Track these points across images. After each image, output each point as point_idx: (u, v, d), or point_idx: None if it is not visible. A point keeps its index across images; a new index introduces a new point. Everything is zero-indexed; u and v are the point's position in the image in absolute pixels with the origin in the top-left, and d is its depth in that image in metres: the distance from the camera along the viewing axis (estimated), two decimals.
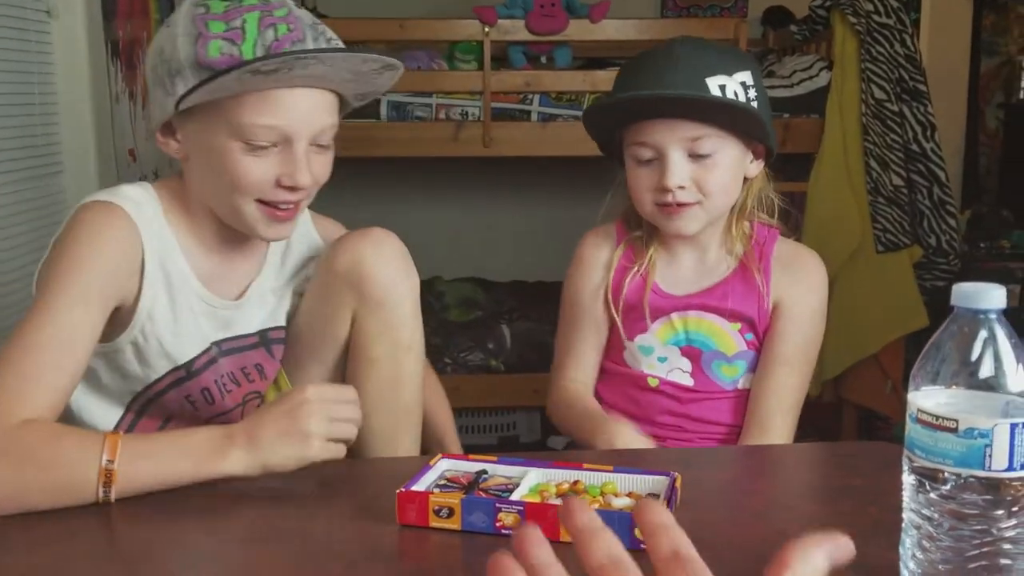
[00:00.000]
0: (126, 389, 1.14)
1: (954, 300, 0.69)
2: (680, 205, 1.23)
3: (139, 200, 1.10)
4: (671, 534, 0.52)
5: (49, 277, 1.03)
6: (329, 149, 1.11)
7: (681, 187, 1.22)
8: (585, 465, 0.97)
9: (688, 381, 1.32)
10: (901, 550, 0.73)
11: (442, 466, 0.99)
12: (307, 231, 1.26)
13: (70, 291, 1.01)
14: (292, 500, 0.95)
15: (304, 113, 1.05)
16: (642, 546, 0.78)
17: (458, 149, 2.60)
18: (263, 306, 1.21)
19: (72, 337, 1.01)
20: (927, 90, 2.54)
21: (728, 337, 1.31)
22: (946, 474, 0.68)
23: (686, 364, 1.32)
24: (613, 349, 1.36)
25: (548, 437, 2.95)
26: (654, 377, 1.32)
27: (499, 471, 0.98)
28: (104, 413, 1.15)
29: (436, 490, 0.93)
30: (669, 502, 0.87)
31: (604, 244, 1.36)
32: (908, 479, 0.71)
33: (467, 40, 2.59)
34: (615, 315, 1.32)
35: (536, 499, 0.90)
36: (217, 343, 1.17)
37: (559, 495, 0.92)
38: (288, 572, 0.80)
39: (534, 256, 3.16)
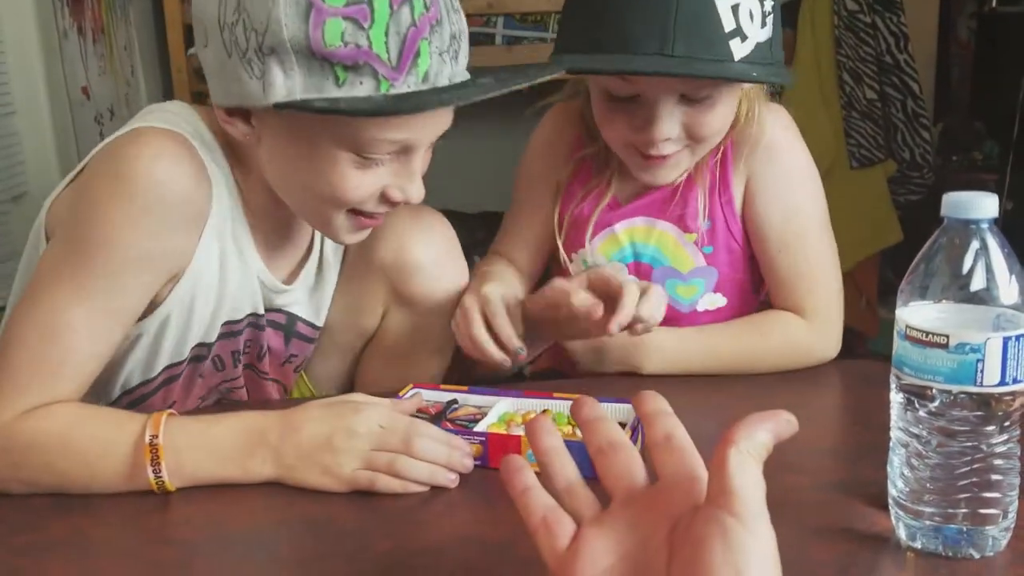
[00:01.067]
0: (123, 385, 0.98)
1: (944, 211, 0.66)
2: (664, 158, 1.03)
3: (203, 137, 0.89)
4: (666, 420, 0.57)
5: (87, 233, 0.83)
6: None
7: (667, 139, 1.01)
8: (555, 394, 0.95)
9: None
10: (889, 469, 0.71)
11: (414, 396, 0.97)
12: None
13: (116, 261, 0.83)
14: None
15: (434, 123, 0.86)
16: None
17: None
18: (305, 291, 1.05)
19: (109, 319, 0.84)
20: (900, 0, 2.49)
21: (682, 250, 1.12)
22: (935, 391, 0.65)
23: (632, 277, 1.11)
24: (558, 271, 1.19)
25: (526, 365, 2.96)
26: None
27: (470, 401, 0.97)
28: None
29: None
30: (635, 431, 0.85)
31: (565, 132, 1.17)
32: (896, 397, 0.69)
33: None
34: (555, 230, 1.15)
35: (502, 429, 0.89)
36: (260, 315, 1.01)
37: (525, 424, 0.90)
38: (254, 508, 0.79)
39: (503, 186, 3.11)
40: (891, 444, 0.70)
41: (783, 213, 1.08)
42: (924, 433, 0.67)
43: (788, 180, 1.09)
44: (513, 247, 1.20)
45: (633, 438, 0.84)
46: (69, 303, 0.82)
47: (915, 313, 0.67)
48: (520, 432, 0.87)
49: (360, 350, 1.13)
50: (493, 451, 0.85)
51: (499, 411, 0.93)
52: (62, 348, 0.82)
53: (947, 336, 0.64)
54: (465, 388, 0.98)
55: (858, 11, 2.45)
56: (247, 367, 1.05)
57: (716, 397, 1.00)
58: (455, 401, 0.96)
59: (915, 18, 2.57)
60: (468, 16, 2.82)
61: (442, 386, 0.99)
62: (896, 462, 0.69)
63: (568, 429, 0.88)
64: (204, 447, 0.81)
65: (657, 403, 0.58)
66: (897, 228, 2.53)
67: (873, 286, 2.62)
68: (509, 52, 2.52)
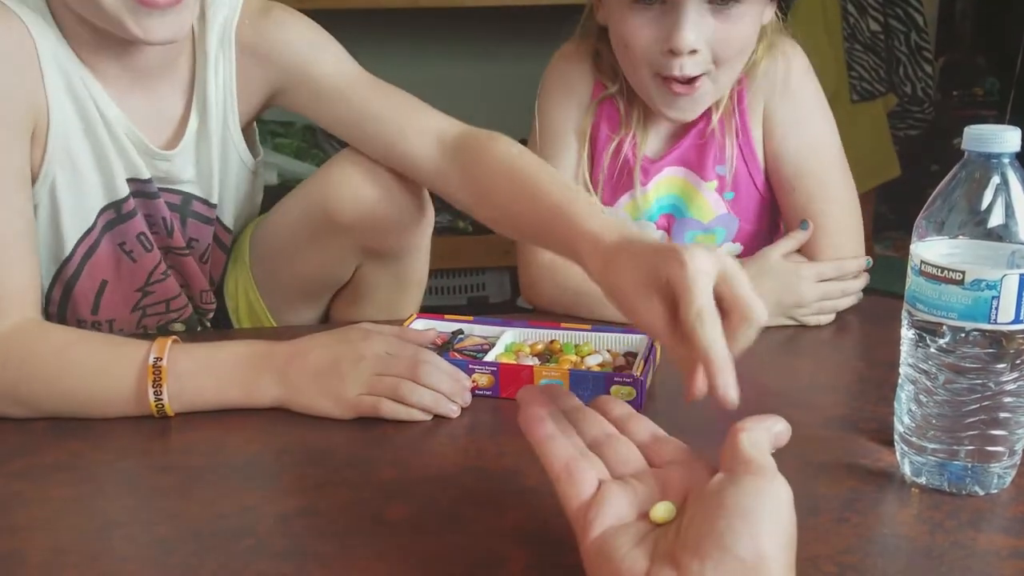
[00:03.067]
0: (49, 260, 0.97)
1: (965, 144, 0.64)
2: (688, 81, 0.99)
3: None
4: (641, 421, 0.61)
5: None
6: None
7: (694, 51, 0.97)
8: (563, 324, 0.94)
9: None
10: (896, 405, 0.70)
11: (417, 325, 0.97)
12: (227, 70, 0.98)
13: None
14: None
15: None
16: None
17: (385, 1, 2.44)
18: (190, 162, 0.99)
19: (7, 182, 0.83)
20: None
21: (702, 199, 1.11)
22: (947, 327, 0.65)
23: (659, 236, 1.13)
24: None
25: (517, 297, 2.96)
26: None
27: (475, 331, 0.96)
28: None
29: None
30: (647, 361, 0.85)
31: (581, 76, 1.11)
32: (907, 333, 0.68)
33: None
34: (588, 185, 1.10)
35: (511, 359, 0.88)
36: (148, 180, 0.97)
37: (534, 354, 0.90)
38: (255, 436, 0.79)
39: (499, 114, 3.05)
40: (899, 380, 0.70)
41: (798, 146, 1.07)
42: (933, 369, 0.66)
43: (804, 115, 1.07)
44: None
45: (646, 368, 0.84)
46: None
47: (930, 248, 0.66)
48: (530, 362, 0.87)
49: (332, 296, 1.12)
50: (505, 381, 0.85)
51: (505, 341, 0.93)
52: None
53: (962, 272, 0.63)
54: (470, 318, 0.97)
55: None
56: (164, 251, 1.02)
57: None
58: (460, 331, 0.96)
59: None
60: None
61: (446, 316, 0.98)
62: (904, 398, 0.69)
63: (576, 358, 0.88)
64: (208, 371, 0.81)
65: (623, 408, 0.63)
66: (895, 163, 2.51)
67: (868, 221, 2.61)
68: None
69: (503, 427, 0.80)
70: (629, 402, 0.79)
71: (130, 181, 0.96)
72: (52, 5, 0.88)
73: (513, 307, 2.88)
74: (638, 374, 0.82)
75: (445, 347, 0.92)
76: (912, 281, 0.67)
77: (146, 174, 0.96)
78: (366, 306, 1.08)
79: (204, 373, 0.81)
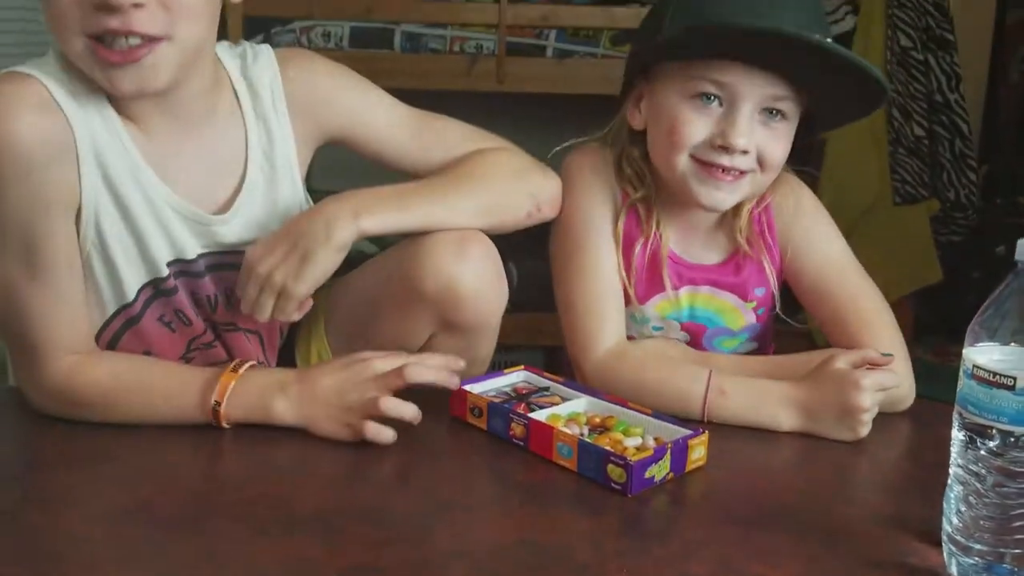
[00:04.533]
0: (99, 312, 1.01)
1: (1018, 255, 0.67)
2: (734, 173, 1.03)
3: (52, 71, 0.91)
4: None
5: None
6: None
7: (746, 151, 1.02)
8: (629, 405, 0.98)
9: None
10: (945, 505, 0.72)
11: (518, 376, 1.08)
12: (283, 130, 1.03)
13: (8, 210, 0.90)
14: None
15: None
16: (612, 485, 0.80)
17: (471, 83, 2.54)
18: (250, 227, 1.02)
19: (54, 270, 0.93)
20: (954, 39, 2.48)
21: (739, 314, 1.15)
22: (998, 431, 0.67)
23: (683, 337, 1.15)
24: None
25: None
26: None
27: (559, 391, 1.03)
28: None
29: (493, 394, 1.01)
30: (657, 452, 0.85)
31: (609, 188, 1.12)
32: (958, 435, 0.70)
33: None
34: (627, 281, 1.11)
35: (559, 422, 0.93)
36: (203, 255, 1.01)
37: (589, 425, 0.95)
38: (319, 491, 0.83)
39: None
40: (949, 480, 0.71)
41: (817, 260, 1.13)
42: (983, 472, 0.68)
43: (817, 234, 1.14)
44: (611, 273, 1.11)
45: (650, 459, 0.85)
46: (12, 277, 0.92)
47: (983, 353, 0.68)
48: (576, 429, 0.92)
49: None
50: (533, 436, 0.92)
51: (572, 407, 0.98)
52: (32, 321, 0.93)
53: (1014, 378, 0.66)
54: (562, 379, 1.05)
55: (911, 48, 2.45)
56: (208, 324, 1.06)
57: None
58: (547, 388, 1.03)
59: (967, 58, 2.56)
60: (521, 28, 2.83)
61: (546, 373, 1.06)
62: (953, 499, 0.71)
63: (618, 436, 0.91)
64: (236, 396, 0.93)
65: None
66: (937, 268, 2.52)
67: (908, 324, 2.61)
68: (559, 65, 2.54)
69: (553, 501, 0.82)
70: (620, 484, 0.83)
71: (172, 263, 1.00)
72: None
73: None
74: (632, 460, 0.83)
75: (521, 398, 1.00)
76: (964, 384, 0.69)
77: (191, 255, 1.00)
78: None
79: (238, 397, 0.93)
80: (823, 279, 1.12)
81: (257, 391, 0.94)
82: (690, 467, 0.88)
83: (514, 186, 1.08)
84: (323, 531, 0.75)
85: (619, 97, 1.13)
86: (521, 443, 0.92)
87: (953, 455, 0.71)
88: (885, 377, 0.97)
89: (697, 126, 1.02)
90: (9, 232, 0.91)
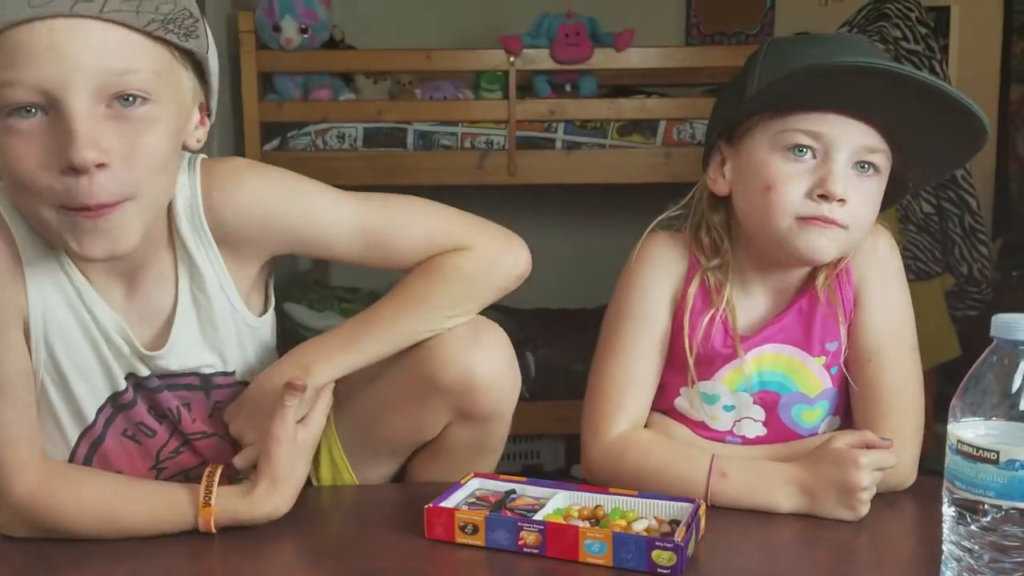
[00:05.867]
0: (57, 452, 1.01)
1: (994, 331, 0.68)
2: (835, 224, 0.99)
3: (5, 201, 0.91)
4: None
5: None
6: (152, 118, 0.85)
7: (843, 200, 0.99)
8: (610, 490, 0.97)
9: (760, 431, 1.09)
10: None
11: (473, 484, 1.02)
12: (209, 253, 0.98)
13: None
14: (329, 522, 0.99)
15: None
16: (659, 570, 0.79)
17: (483, 178, 2.60)
18: (193, 344, 1.00)
19: (10, 388, 0.93)
20: None
21: (810, 374, 1.08)
22: (987, 506, 0.66)
23: (759, 413, 1.09)
24: (662, 391, 1.12)
25: (572, 465, 2.95)
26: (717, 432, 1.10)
27: (527, 492, 1.00)
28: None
29: (465, 507, 0.95)
30: (688, 528, 0.87)
31: (676, 256, 1.11)
32: (948, 511, 0.70)
33: (493, 70, 2.60)
34: (689, 357, 1.08)
35: (559, 519, 0.91)
36: (146, 376, 0.99)
37: (581, 518, 0.93)
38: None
39: (558, 283, 3.16)
40: (944, 557, 0.71)
41: (883, 321, 1.08)
42: (976, 547, 0.67)
43: (890, 292, 1.09)
44: (637, 404, 1.10)
45: (688, 535, 0.86)
46: None
47: (966, 429, 0.69)
48: (578, 524, 0.89)
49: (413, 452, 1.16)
50: (551, 541, 0.88)
51: (555, 504, 0.96)
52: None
53: (997, 452, 0.66)
54: (523, 479, 1.01)
55: None
56: (173, 433, 1.05)
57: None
58: (513, 491, 0.99)
59: None
60: (530, 122, 2.91)
61: (501, 476, 1.02)
62: (948, 573, 0.70)
63: (623, 523, 0.90)
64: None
65: None
66: (955, 343, 2.50)
67: (930, 402, 2.57)
68: (568, 157, 2.60)
69: None
70: (669, 567, 0.82)
71: (129, 377, 0.99)
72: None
73: (567, 475, 2.88)
74: (679, 540, 0.84)
75: (497, 505, 0.95)
76: (950, 459, 0.69)
77: (144, 372, 0.99)
78: (443, 463, 1.11)
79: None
80: (878, 344, 1.07)
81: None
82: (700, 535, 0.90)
83: (475, 290, 1.05)
84: None
85: (702, 163, 1.13)
86: (535, 551, 0.88)
87: (945, 531, 0.70)
88: (883, 457, 0.96)
89: (794, 182, 1.00)
90: None
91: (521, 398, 1.24)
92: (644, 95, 2.69)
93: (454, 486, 0.99)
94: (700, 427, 1.11)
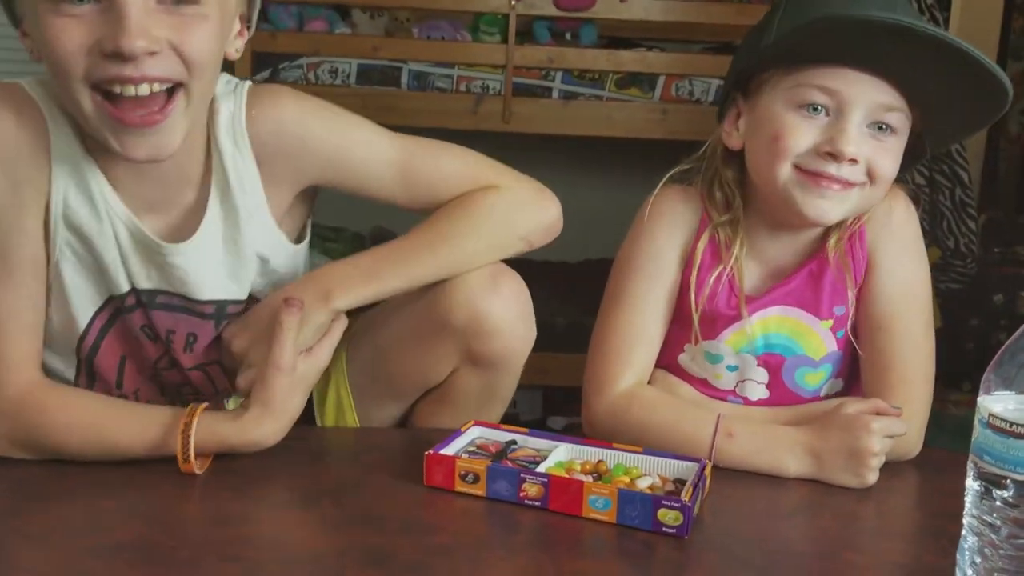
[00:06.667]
0: (66, 344, 1.01)
1: None
2: (841, 183, 0.97)
3: (46, 90, 0.92)
4: None
5: None
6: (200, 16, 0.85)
7: (855, 160, 0.96)
8: (614, 445, 0.96)
9: (762, 393, 1.09)
10: (959, 556, 0.71)
11: (473, 433, 1.00)
12: (245, 171, 0.97)
13: None
14: (328, 466, 0.96)
15: None
16: (663, 529, 0.79)
17: (477, 123, 2.55)
18: (213, 263, 0.99)
19: (9, 266, 0.90)
20: None
21: (816, 337, 1.08)
22: (1013, 481, 0.66)
23: (762, 375, 1.09)
24: (667, 346, 1.11)
25: (548, 417, 2.96)
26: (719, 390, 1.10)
27: (529, 443, 0.98)
28: (58, 373, 1.03)
29: (464, 455, 0.94)
30: (695, 488, 0.86)
31: (687, 211, 1.10)
32: (973, 484, 0.69)
33: (493, 12, 2.54)
34: (694, 314, 1.07)
35: (561, 473, 0.90)
36: (150, 292, 0.98)
37: (584, 472, 0.92)
38: (308, 534, 0.81)
39: (603, 235, 3.15)
40: (963, 531, 0.70)
41: (896, 288, 1.06)
42: (998, 522, 0.67)
43: (906, 258, 1.07)
44: (642, 360, 1.09)
45: (694, 495, 0.85)
46: None
47: (998, 402, 0.68)
48: (582, 478, 0.88)
49: (419, 396, 1.14)
50: (554, 494, 0.86)
51: (557, 456, 0.94)
52: None
53: None
54: (525, 430, 1.00)
55: None
56: (170, 363, 1.05)
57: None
58: (514, 442, 0.98)
59: None
60: (527, 69, 2.85)
61: (503, 426, 1.00)
62: (967, 549, 0.70)
63: (627, 480, 0.89)
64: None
65: None
66: (936, 315, 2.52)
67: None
68: (565, 107, 2.56)
69: (557, 544, 0.81)
70: (675, 527, 0.81)
71: (136, 291, 0.99)
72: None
73: (543, 426, 2.89)
74: (686, 499, 0.83)
75: (498, 455, 0.94)
76: (979, 433, 0.68)
77: (146, 286, 0.98)
78: (450, 411, 1.09)
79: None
80: (890, 310, 1.05)
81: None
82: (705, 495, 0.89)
83: (498, 233, 1.04)
84: (320, 574, 0.74)
85: (717, 116, 1.11)
86: (537, 503, 0.86)
87: (968, 505, 0.70)
88: (894, 424, 0.96)
89: (803, 133, 0.98)
90: None
91: None
92: (645, 48, 2.65)
93: (454, 434, 0.97)
94: (702, 384, 1.11)
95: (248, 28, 0.96)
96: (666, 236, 1.09)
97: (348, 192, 1.03)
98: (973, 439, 0.69)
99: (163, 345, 1.03)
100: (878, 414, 0.97)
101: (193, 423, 0.89)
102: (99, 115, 0.84)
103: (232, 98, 0.96)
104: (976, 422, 0.69)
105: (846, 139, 0.96)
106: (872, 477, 0.95)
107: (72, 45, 0.80)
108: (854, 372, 1.11)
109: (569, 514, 0.85)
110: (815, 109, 0.98)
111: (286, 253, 1.03)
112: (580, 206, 1.94)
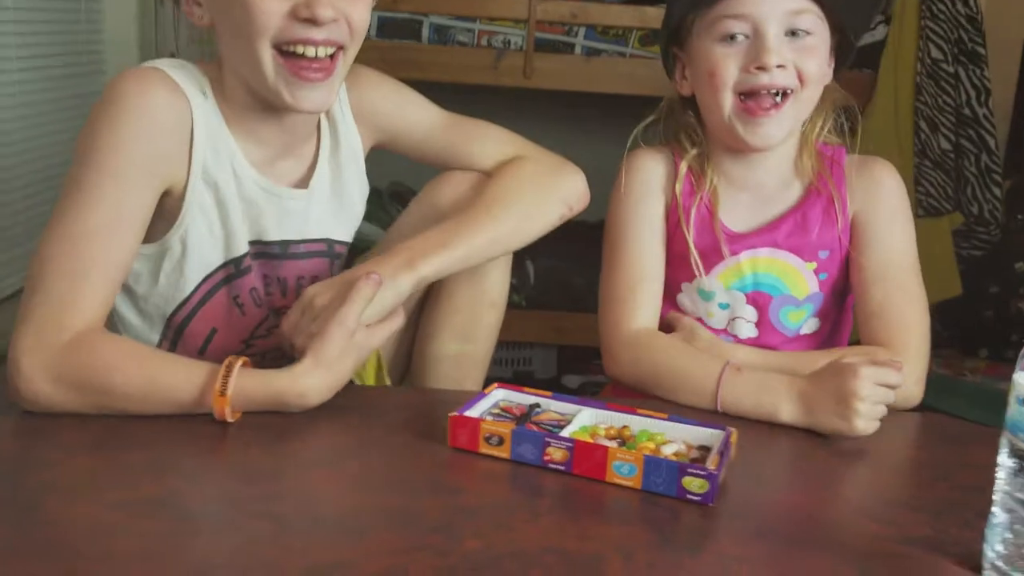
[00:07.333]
0: (167, 303, 1.08)
1: None
2: (772, 105, 1.09)
3: (187, 71, 1.03)
4: None
5: (88, 150, 0.94)
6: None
7: (781, 66, 1.08)
8: (639, 411, 0.96)
9: (751, 332, 1.19)
10: (987, 532, 0.70)
11: (497, 395, 1.00)
12: (347, 127, 1.16)
13: (114, 167, 0.93)
14: (351, 424, 0.96)
15: None
16: (688, 496, 0.79)
17: (498, 78, 2.53)
18: (325, 205, 1.14)
19: (119, 221, 0.94)
20: (985, 53, 2.46)
21: (801, 278, 1.17)
22: None
23: (751, 313, 1.19)
24: (666, 288, 1.21)
25: (563, 375, 2.96)
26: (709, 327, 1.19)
27: (552, 406, 0.98)
28: (141, 334, 1.10)
29: (489, 418, 0.94)
30: (722, 457, 0.86)
31: (659, 162, 1.21)
32: (1006, 461, 0.69)
33: None
34: (689, 243, 1.16)
35: (586, 438, 0.90)
36: (280, 243, 1.11)
37: (608, 438, 0.92)
38: (333, 493, 0.81)
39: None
40: (993, 507, 0.70)
41: (883, 247, 1.15)
42: None
43: (893, 219, 1.17)
44: (647, 312, 1.17)
45: (721, 463, 0.85)
46: (82, 213, 0.92)
47: None
48: (606, 443, 0.88)
49: (417, 308, 1.21)
50: (578, 459, 0.86)
51: (581, 421, 0.94)
52: (86, 256, 0.92)
53: None
54: (548, 393, 0.99)
55: (942, 60, 2.43)
56: (274, 312, 1.13)
57: (785, 439, 1.00)
58: (538, 405, 0.98)
59: (996, 74, 2.54)
60: (550, 24, 2.82)
61: (526, 388, 1.00)
62: (997, 525, 0.69)
63: (651, 446, 0.89)
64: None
65: None
66: (957, 282, 2.50)
67: None
68: (587, 63, 2.52)
69: (582, 508, 0.81)
70: (700, 495, 0.81)
71: (253, 243, 1.09)
72: (223, 72, 1.04)
73: (558, 385, 2.89)
74: (712, 467, 0.83)
75: (522, 418, 0.94)
76: (1015, 410, 0.68)
77: (270, 237, 1.10)
78: (446, 329, 1.19)
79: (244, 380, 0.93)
80: (883, 271, 1.14)
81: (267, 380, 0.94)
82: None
83: (544, 197, 1.15)
84: (348, 533, 0.74)
85: (665, 72, 1.23)
86: (561, 467, 0.86)
87: (999, 481, 0.69)
88: (886, 373, 0.97)
89: (731, 61, 1.10)
90: (96, 170, 0.93)
91: (517, 306, 1.39)
92: None
93: (478, 395, 0.97)
94: (699, 324, 1.19)
95: None
96: (646, 186, 1.20)
97: (402, 150, 1.20)
98: (1008, 415, 0.68)
99: (278, 297, 1.13)
100: (876, 365, 0.98)
101: (238, 363, 0.91)
102: (277, 71, 0.98)
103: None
104: (1012, 399, 0.68)
105: (767, 50, 1.07)
106: (861, 423, 0.96)
107: (271, 9, 0.95)
108: (829, 313, 1.21)
109: (593, 478, 0.85)
110: (733, 38, 1.10)
111: (363, 199, 1.20)
112: (600, 165, 1.93)
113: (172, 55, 2.08)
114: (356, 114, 1.16)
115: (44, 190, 1.62)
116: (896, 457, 0.94)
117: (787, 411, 1.00)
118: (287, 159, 1.11)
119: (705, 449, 0.90)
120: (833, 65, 1.17)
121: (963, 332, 2.92)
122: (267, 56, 0.97)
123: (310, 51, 0.97)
